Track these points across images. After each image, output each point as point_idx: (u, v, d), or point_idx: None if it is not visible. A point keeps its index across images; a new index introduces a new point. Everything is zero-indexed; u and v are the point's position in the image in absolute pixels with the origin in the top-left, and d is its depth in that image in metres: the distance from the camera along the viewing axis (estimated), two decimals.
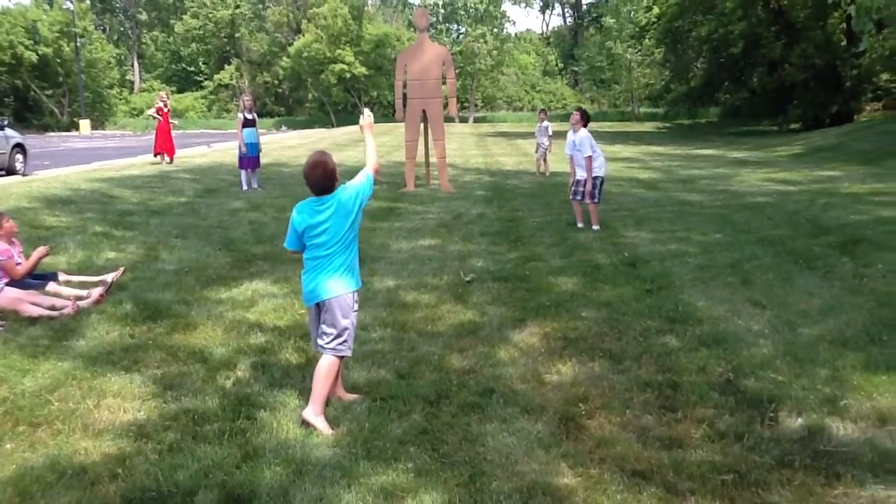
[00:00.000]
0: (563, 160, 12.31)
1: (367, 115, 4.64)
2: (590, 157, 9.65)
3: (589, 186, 9.70)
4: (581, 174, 9.81)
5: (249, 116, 14.28)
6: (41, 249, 6.82)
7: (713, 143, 29.36)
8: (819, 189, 13.52)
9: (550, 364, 4.98)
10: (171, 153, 19.42)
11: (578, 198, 9.93)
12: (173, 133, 19.40)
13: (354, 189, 4.24)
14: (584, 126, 9.83)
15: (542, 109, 20.28)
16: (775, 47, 33.44)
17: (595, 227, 9.74)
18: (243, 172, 14.11)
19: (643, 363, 5.01)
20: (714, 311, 6.11)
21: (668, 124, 48.56)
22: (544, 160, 17.13)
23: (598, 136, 10.42)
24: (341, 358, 4.27)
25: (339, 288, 4.16)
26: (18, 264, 6.61)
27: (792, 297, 6.49)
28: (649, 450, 3.81)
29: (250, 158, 14.12)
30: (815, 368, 4.82)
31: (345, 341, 4.22)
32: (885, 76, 33.54)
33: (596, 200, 9.81)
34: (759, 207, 11.55)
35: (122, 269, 7.32)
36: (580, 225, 9.95)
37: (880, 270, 7.19)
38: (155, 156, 19.53)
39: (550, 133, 17.27)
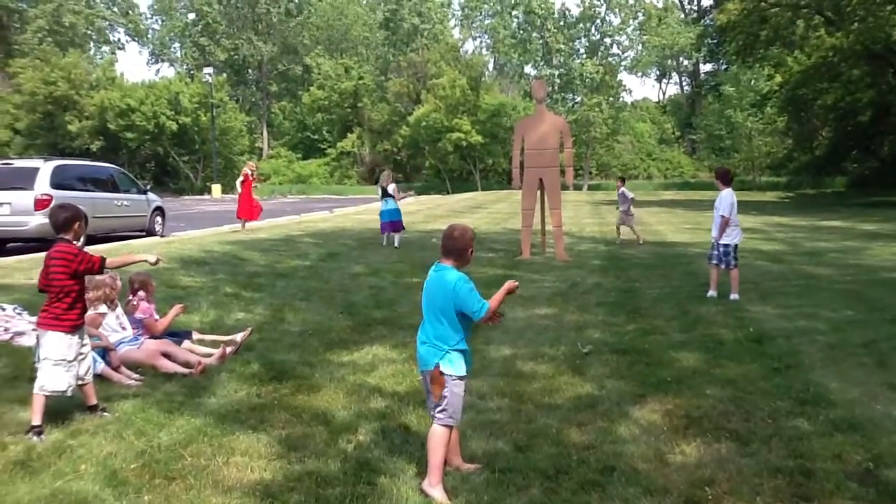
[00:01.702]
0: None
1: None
2: (724, 217, 9.65)
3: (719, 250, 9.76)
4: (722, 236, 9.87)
5: (388, 189, 16.55)
6: (178, 307, 7.27)
7: (840, 214, 28.11)
8: None
9: (673, 443, 4.84)
10: (251, 218, 19.78)
11: (714, 262, 9.95)
12: (256, 197, 20.03)
13: (459, 289, 4.21)
14: (726, 185, 9.87)
15: (620, 177, 20.84)
16: None
17: (733, 295, 9.65)
18: (384, 236, 16.44)
19: (773, 447, 4.79)
20: (848, 394, 5.80)
21: (790, 194, 46.91)
22: (618, 227, 17.78)
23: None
24: (449, 427, 4.25)
25: (433, 360, 4.23)
26: (156, 321, 7.08)
27: None
28: None
29: (384, 224, 16.38)
30: None
31: (443, 410, 4.22)
32: None
33: (731, 266, 9.76)
34: (894, 284, 10.93)
35: (250, 329, 7.66)
36: (711, 293, 9.85)
37: None
38: (238, 218, 19.78)
39: (630, 197, 17.37)
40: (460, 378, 4.23)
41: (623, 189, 17.58)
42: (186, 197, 50.34)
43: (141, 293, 7.11)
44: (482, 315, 4.18)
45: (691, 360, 6.85)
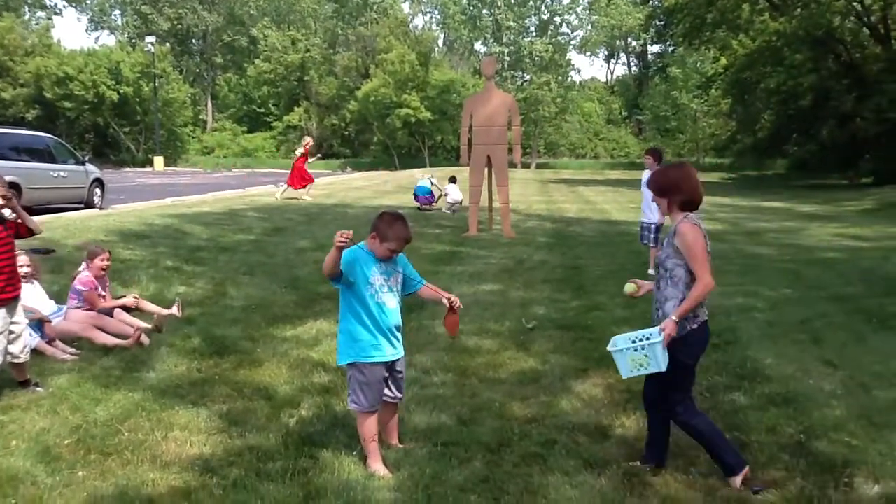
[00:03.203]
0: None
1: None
2: None
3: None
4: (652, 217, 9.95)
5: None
6: (129, 301, 7.09)
7: (781, 195, 28.79)
8: (893, 246, 13.10)
9: (614, 417, 4.91)
10: (299, 185, 21.20)
11: (645, 242, 10.10)
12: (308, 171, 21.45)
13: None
14: (658, 163, 9.98)
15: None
16: (846, 100, 32.86)
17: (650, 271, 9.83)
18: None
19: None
20: (783, 370, 5.95)
21: (733, 175, 47.85)
22: None
23: None
24: (362, 413, 4.11)
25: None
26: (102, 296, 6.90)
27: (866, 357, 6.29)
28: None
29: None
30: (892, 434, 4.64)
31: (349, 393, 4.18)
32: None
33: (656, 245, 9.91)
34: (830, 263, 11.25)
35: (178, 301, 7.49)
36: (651, 272, 9.96)
37: None
38: (296, 189, 21.26)
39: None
40: (350, 365, 4.12)
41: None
42: (128, 169, 49.02)
43: (83, 264, 6.94)
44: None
45: None
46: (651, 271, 9.98)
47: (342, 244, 3.76)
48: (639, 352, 3.92)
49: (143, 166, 52.35)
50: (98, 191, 18.89)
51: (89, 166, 18.86)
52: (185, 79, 68.06)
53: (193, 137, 66.48)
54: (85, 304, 6.73)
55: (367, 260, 4.04)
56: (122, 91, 53.71)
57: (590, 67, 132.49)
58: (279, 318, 7.45)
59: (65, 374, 5.61)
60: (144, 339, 6.46)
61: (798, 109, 36.08)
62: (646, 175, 10.05)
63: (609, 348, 4.02)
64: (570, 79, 68.55)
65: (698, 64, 53.54)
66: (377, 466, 4.09)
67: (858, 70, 33.80)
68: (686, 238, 3.92)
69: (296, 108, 68.10)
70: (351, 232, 3.73)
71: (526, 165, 54.51)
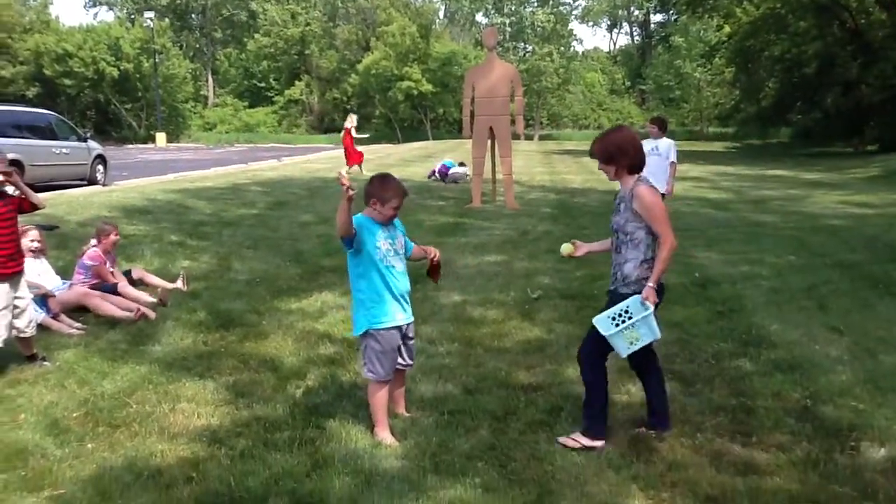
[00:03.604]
0: None
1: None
2: (675, 164, 9.89)
3: None
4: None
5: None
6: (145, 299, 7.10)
7: (784, 163, 28.67)
8: None
9: (619, 384, 4.91)
10: (354, 162, 21.60)
11: None
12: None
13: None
14: (663, 132, 10.00)
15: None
16: (851, 67, 32.62)
17: None
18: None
19: (716, 386, 4.90)
20: (789, 336, 5.95)
21: (737, 144, 47.63)
22: None
23: None
24: (377, 382, 4.13)
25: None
26: (111, 272, 6.92)
27: (871, 323, 6.28)
28: (723, 475, 3.71)
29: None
30: None
31: (364, 365, 4.18)
32: None
33: None
34: (835, 230, 11.22)
35: (182, 275, 7.49)
36: None
37: None
38: (350, 167, 21.45)
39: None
40: (365, 334, 4.11)
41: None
42: (130, 146, 48.94)
43: (93, 241, 6.93)
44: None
45: None
46: None
47: (352, 192, 3.74)
48: (630, 328, 3.91)
49: (146, 143, 52.25)
50: (101, 167, 18.86)
51: (91, 143, 18.81)
52: (185, 54, 67.72)
53: (195, 113, 66.25)
54: (91, 278, 6.73)
55: (371, 227, 4.05)
56: (122, 67, 53.49)
57: (592, 37, 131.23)
58: (284, 291, 7.45)
59: (71, 349, 5.63)
60: (150, 313, 6.47)
61: (802, 77, 35.79)
62: (648, 144, 9.96)
63: (603, 333, 3.99)
64: (572, 49, 68.06)
65: (701, 32, 52.99)
66: (384, 435, 4.10)
67: (863, 36, 33.45)
68: (645, 200, 3.92)
69: (297, 83, 67.77)
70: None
71: (529, 137, 54.24)
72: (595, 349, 4.07)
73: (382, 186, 4.06)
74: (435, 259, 4.36)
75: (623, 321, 3.93)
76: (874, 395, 4.69)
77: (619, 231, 4.06)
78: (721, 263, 8.86)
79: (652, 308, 3.87)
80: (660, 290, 4.03)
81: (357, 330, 4.15)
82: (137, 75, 54.92)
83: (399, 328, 4.14)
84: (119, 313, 6.38)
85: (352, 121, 22.24)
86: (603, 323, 4.00)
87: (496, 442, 4.07)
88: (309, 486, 3.57)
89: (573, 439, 4.03)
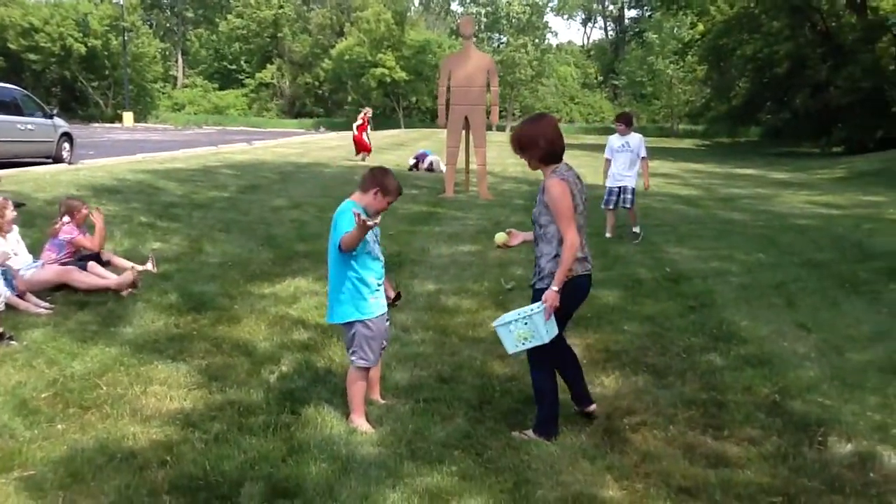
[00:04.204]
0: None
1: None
2: (646, 159, 10.04)
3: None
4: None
5: None
6: (97, 215, 6.95)
7: (753, 162, 29.02)
8: (864, 214, 13.29)
9: (593, 375, 4.95)
10: (364, 151, 21.60)
11: (611, 207, 10.09)
12: (366, 138, 21.75)
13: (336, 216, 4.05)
14: (629, 128, 10.07)
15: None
16: (821, 69, 33.09)
17: (635, 228, 10.04)
18: None
19: (687, 380, 4.96)
20: (758, 332, 6.04)
21: (707, 142, 48.14)
22: None
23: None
24: (362, 368, 4.14)
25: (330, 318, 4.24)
26: (88, 238, 6.84)
27: (838, 321, 6.39)
28: (695, 467, 3.77)
29: None
30: (864, 395, 4.74)
31: (354, 352, 4.14)
32: None
33: (631, 206, 10.00)
34: (803, 229, 11.39)
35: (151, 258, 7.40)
36: (608, 236, 10.03)
37: None
38: (357, 154, 21.65)
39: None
40: (352, 323, 4.10)
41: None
42: (96, 125, 48.06)
43: (66, 217, 6.79)
44: (338, 244, 3.96)
45: (610, 298, 7.00)
46: (608, 234, 10.07)
47: (371, 224, 3.85)
48: (520, 325, 3.89)
49: (112, 122, 51.38)
50: (67, 145, 18.48)
51: (57, 120, 18.43)
52: (155, 33, 66.67)
53: (164, 94, 65.31)
54: (65, 256, 6.62)
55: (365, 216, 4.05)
56: (90, 44, 52.54)
57: (567, 31, 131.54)
58: (257, 276, 7.39)
59: (39, 328, 5.53)
60: (128, 282, 6.42)
61: (773, 77, 36.22)
62: (618, 140, 10.04)
63: (493, 324, 4.00)
64: (546, 41, 68.20)
65: (675, 30, 53.46)
66: (360, 422, 4.09)
67: (834, 39, 33.94)
68: (551, 192, 3.89)
69: (268, 66, 67.12)
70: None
71: (501, 129, 54.25)
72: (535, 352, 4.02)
73: (388, 179, 4.13)
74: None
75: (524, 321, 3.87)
76: (841, 392, 4.78)
77: (535, 223, 4.06)
78: (692, 259, 8.95)
79: (541, 307, 3.82)
80: (572, 290, 3.93)
81: (341, 318, 4.11)
82: (106, 53, 53.98)
83: (384, 313, 4.17)
84: (112, 282, 6.33)
85: (365, 113, 22.34)
86: (509, 316, 4.02)
87: (472, 430, 4.09)
88: (285, 472, 3.55)
89: (526, 433, 4.05)
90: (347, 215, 3.93)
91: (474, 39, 15.71)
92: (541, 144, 3.94)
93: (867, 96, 30.85)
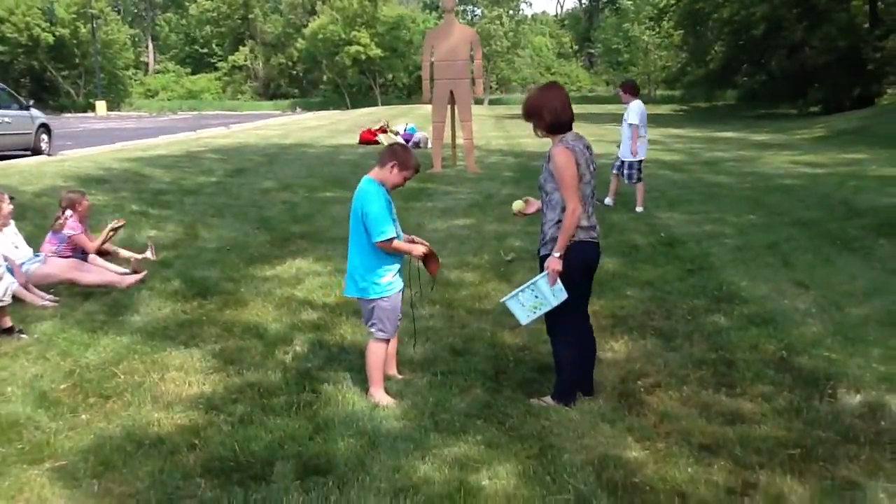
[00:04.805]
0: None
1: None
2: (635, 126, 9.90)
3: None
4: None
5: None
6: (114, 223, 6.93)
7: (732, 126, 29.18)
8: (847, 172, 13.46)
9: (603, 341, 5.02)
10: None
11: (615, 171, 10.13)
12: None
13: (362, 205, 4.11)
14: (633, 97, 10.05)
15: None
16: (797, 30, 33.16)
17: (638, 208, 9.91)
18: None
19: (695, 341, 5.06)
20: (758, 291, 6.15)
21: (685, 107, 48.20)
22: None
23: (616, 117, 10.49)
24: (383, 341, 4.24)
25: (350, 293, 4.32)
26: (90, 238, 6.79)
27: (834, 278, 6.52)
28: (713, 424, 3.86)
29: None
30: (867, 347, 4.86)
31: (373, 325, 4.21)
32: None
33: (633, 181, 9.95)
34: (789, 189, 11.53)
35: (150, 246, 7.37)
36: (608, 201, 10.06)
37: None
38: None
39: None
40: (384, 298, 4.18)
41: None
42: (68, 115, 47.39)
43: (69, 211, 6.74)
44: (378, 241, 4.04)
45: (610, 265, 7.05)
46: (608, 199, 10.13)
47: (424, 252, 4.26)
48: (528, 295, 3.99)
49: (85, 111, 50.70)
50: (45, 137, 18.23)
51: (34, 111, 18.17)
52: (123, 19, 65.64)
53: (136, 80, 64.49)
54: (65, 249, 6.58)
55: (388, 196, 4.18)
56: (57, 33, 51.72)
57: (540, 0, 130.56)
58: (256, 259, 7.40)
59: (47, 321, 5.53)
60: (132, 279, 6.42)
61: (749, 40, 36.24)
62: (630, 109, 10.04)
63: (503, 300, 4.09)
64: (521, 12, 67.88)
65: None
66: (380, 395, 4.15)
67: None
68: (555, 161, 3.93)
69: (241, 48, 66.44)
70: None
71: (479, 102, 54.14)
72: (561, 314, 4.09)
73: (408, 156, 4.19)
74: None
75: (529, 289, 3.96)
76: (845, 346, 4.90)
77: (541, 189, 4.10)
78: (685, 223, 9.05)
79: (545, 274, 3.91)
80: (579, 254, 4.00)
81: (364, 294, 4.17)
82: (74, 41, 53.26)
83: (401, 289, 4.28)
84: (117, 278, 6.33)
85: (381, 125, 21.57)
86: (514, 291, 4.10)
87: (491, 400, 4.16)
88: (314, 449, 3.60)
89: (545, 400, 4.13)
90: (373, 196, 4.04)
91: (456, 12, 15.62)
92: (545, 116, 3.99)
93: (843, 55, 31.04)
